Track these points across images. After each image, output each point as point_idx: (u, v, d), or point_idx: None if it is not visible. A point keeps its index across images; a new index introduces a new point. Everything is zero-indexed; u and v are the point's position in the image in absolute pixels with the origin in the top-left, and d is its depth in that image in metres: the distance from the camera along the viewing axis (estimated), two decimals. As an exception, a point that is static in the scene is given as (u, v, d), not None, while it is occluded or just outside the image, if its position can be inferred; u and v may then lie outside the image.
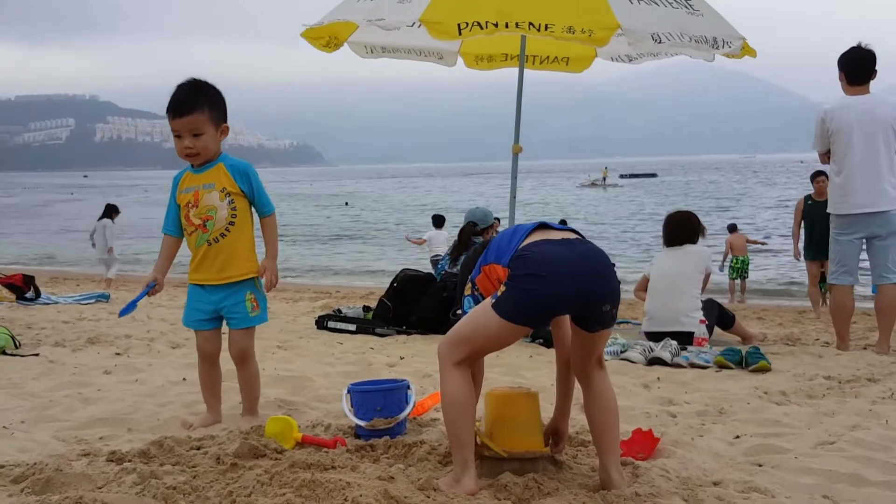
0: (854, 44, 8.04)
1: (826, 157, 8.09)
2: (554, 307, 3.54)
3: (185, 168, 4.92)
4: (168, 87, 4.71)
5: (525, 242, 3.55)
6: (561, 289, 3.42)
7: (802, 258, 12.29)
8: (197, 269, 4.89)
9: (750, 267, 17.89)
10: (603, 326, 3.59)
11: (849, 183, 7.85)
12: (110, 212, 18.68)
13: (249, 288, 4.94)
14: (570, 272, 3.42)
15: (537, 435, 3.91)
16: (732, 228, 18.97)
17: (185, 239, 4.93)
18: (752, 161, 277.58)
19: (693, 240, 8.80)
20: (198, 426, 4.89)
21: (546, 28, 7.99)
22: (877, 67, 7.92)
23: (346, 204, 69.19)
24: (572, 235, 3.64)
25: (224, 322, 5.00)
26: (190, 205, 4.82)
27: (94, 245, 18.87)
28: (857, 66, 7.93)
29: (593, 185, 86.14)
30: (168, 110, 4.72)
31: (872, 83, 7.99)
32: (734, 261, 17.63)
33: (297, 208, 63.07)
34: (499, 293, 3.48)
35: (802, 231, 12.18)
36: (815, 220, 11.75)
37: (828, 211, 8.20)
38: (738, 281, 17.67)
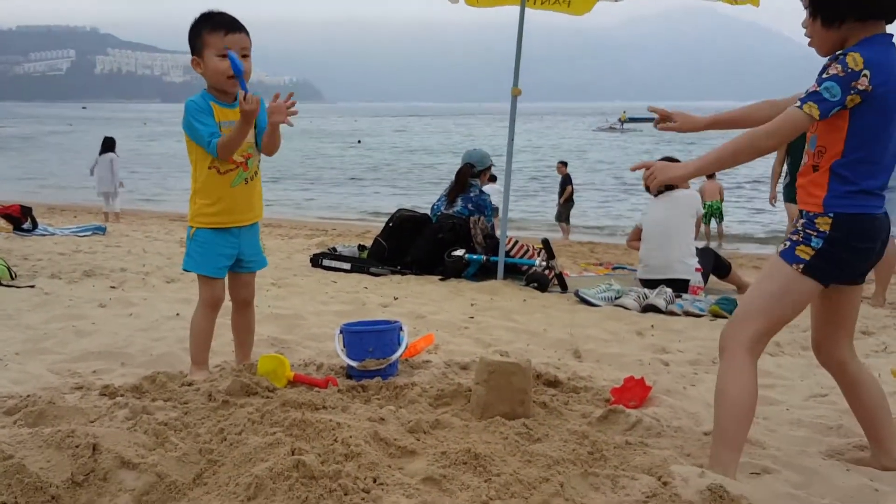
0: None
1: None
2: (860, 272, 3.35)
3: (201, 98, 4.54)
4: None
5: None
6: (869, 261, 3.30)
7: (781, 199, 11.64)
8: (227, 210, 4.57)
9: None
10: (860, 282, 3.43)
11: None
12: (112, 145, 18.63)
13: (258, 228, 4.85)
14: (877, 255, 3.31)
15: None
16: (710, 175, 19.13)
17: (205, 180, 4.55)
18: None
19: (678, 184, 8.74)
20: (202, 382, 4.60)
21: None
22: None
23: (359, 142, 68.91)
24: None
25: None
26: None
27: (91, 173, 18.84)
28: None
29: (611, 128, 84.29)
30: (219, 27, 4.45)
31: None
32: (704, 206, 17.92)
33: (310, 146, 62.62)
34: (802, 256, 3.21)
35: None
36: (799, 156, 11.32)
37: None
38: (713, 227, 18.10)
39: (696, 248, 8.56)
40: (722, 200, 18.84)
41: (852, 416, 4.12)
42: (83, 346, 5.31)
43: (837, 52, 3.15)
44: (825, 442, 3.76)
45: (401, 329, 4.89)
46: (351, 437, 3.28)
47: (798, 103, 3.11)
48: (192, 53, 4.56)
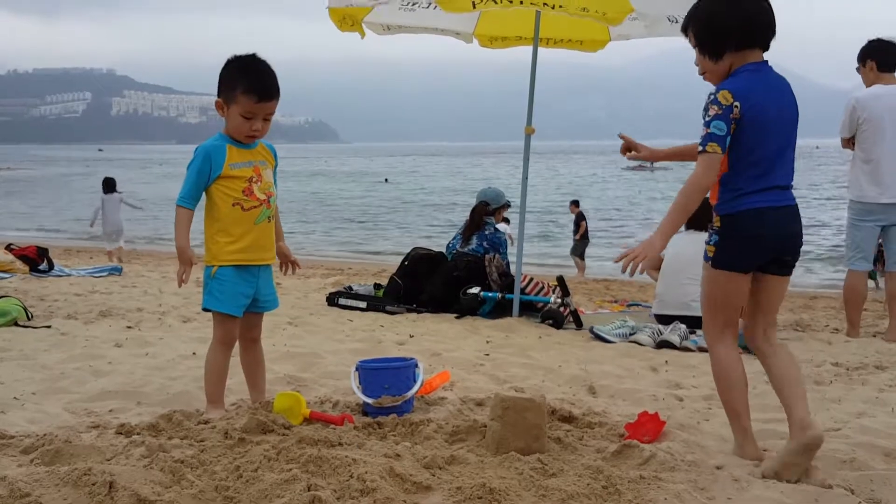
0: (874, 37, 8.08)
1: (849, 143, 8.04)
2: (758, 259, 3.94)
3: (216, 141, 4.60)
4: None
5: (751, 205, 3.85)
6: (763, 249, 3.90)
7: None
8: (250, 247, 4.59)
9: None
10: (779, 274, 4.01)
11: (878, 171, 7.84)
12: (114, 185, 18.69)
13: (272, 270, 4.87)
14: (772, 243, 3.90)
15: None
16: None
17: (229, 217, 4.56)
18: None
19: None
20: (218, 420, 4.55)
21: (560, 7, 7.95)
22: None
23: (386, 181, 69.18)
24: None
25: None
26: (254, 180, 4.59)
27: (91, 224, 18.91)
28: (889, 54, 7.95)
29: (640, 167, 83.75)
30: (254, 92, 4.47)
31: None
32: None
33: (337, 186, 62.86)
34: (709, 253, 3.95)
35: None
36: None
37: (850, 197, 8.10)
38: None
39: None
40: None
41: (866, 449, 4.14)
42: (99, 385, 5.34)
43: (710, 92, 3.84)
44: (839, 475, 3.75)
45: (416, 366, 4.91)
46: (366, 472, 3.30)
47: (700, 148, 3.79)
48: (219, 94, 4.57)
